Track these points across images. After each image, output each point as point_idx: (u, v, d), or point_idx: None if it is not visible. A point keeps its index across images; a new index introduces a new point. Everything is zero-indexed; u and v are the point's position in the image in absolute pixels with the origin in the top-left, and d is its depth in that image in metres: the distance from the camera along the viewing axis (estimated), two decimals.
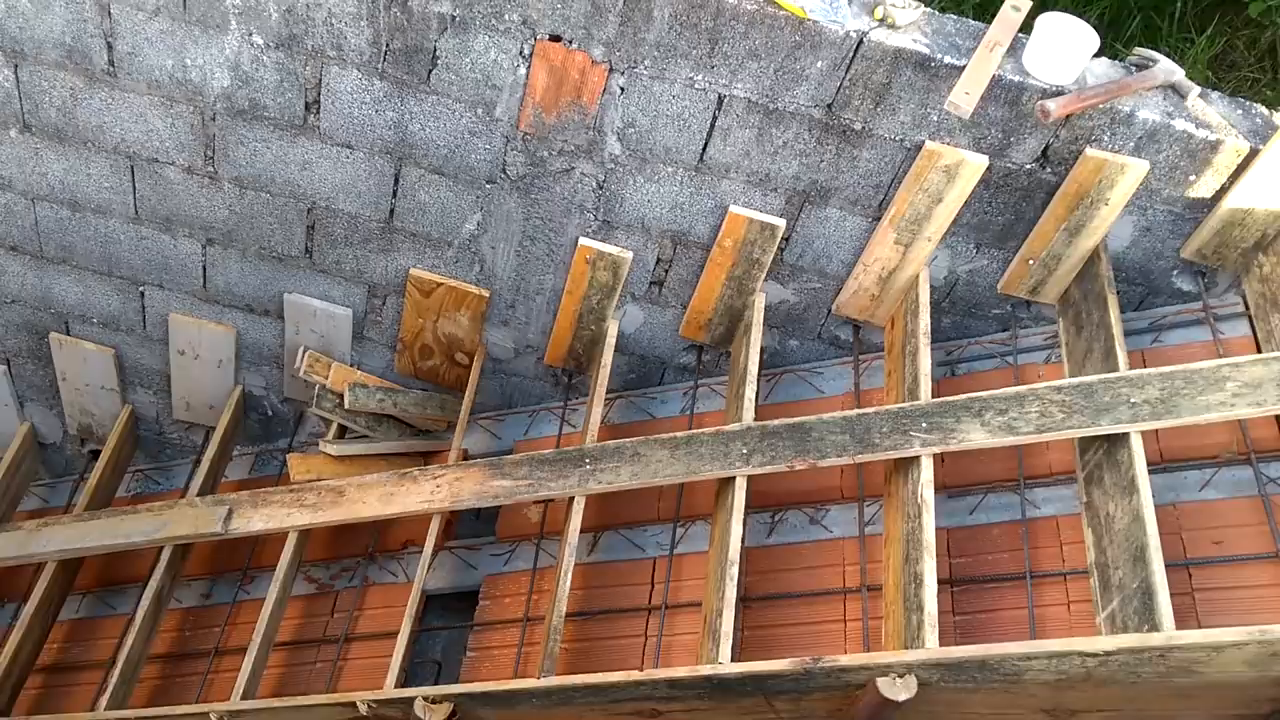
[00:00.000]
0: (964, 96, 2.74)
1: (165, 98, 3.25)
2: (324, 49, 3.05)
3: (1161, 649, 2.14)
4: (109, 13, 3.09)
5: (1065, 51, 2.74)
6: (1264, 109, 2.90)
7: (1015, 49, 2.82)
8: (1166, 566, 2.43)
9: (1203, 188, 2.91)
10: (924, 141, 2.93)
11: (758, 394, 3.22)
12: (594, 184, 3.22)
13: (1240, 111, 2.88)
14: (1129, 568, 2.49)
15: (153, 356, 4.11)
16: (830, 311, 3.44)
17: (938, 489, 2.82)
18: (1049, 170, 2.95)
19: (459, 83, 3.05)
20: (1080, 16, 2.84)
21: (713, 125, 3.01)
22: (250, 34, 3.06)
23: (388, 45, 3.01)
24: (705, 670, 2.53)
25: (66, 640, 4.10)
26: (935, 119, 2.89)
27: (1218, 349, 2.97)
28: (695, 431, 3.11)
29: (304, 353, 3.83)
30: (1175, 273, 3.13)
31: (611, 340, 3.54)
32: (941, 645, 2.49)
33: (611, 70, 2.94)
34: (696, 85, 2.92)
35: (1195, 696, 2.27)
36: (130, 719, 3.27)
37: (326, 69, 3.09)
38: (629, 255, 3.37)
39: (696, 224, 3.26)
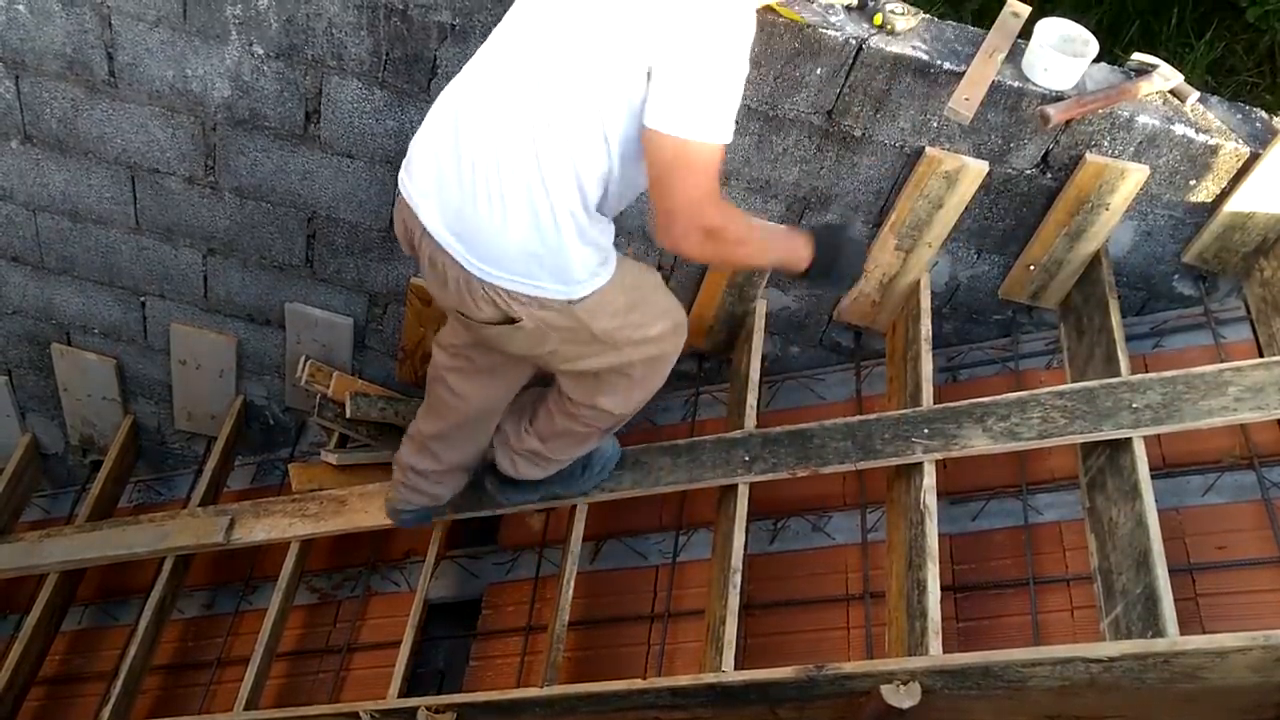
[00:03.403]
0: (964, 102, 2.74)
1: (166, 108, 3.25)
2: (324, 59, 3.06)
3: (1165, 655, 2.14)
4: (110, 23, 3.09)
5: (1065, 57, 2.74)
6: (1263, 113, 2.90)
7: (1014, 55, 2.82)
8: (1170, 571, 2.42)
9: (1203, 192, 2.91)
10: (924, 147, 2.93)
11: (759, 401, 3.22)
12: None
13: (1240, 116, 2.88)
14: (1132, 573, 2.49)
15: (154, 366, 4.11)
16: (831, 318, 3.44)
17: (940, 495, 2.82)
18: (1049, 175, 2.95)
19: None
20: (1079, 22, 2.85)
21: None
22: (251, 44, 3.06)
23: (388, 54, 3.01)
24: (709, 678, 2.53)
25: (69, 651, 4.10)
26: (935, 125, 2.89)
27: (1219, 353, 2.96)
28: (697, 439, 3.10)
29: (305, 362, 3.83)
30: (1176, 277, 3.13)
31: None
32: (945, 652, 2.48)
33: None
34: None
35: (1199, 702, 2.27)
36: None
37: (327, 79, 3.10)
38: None
39: None
